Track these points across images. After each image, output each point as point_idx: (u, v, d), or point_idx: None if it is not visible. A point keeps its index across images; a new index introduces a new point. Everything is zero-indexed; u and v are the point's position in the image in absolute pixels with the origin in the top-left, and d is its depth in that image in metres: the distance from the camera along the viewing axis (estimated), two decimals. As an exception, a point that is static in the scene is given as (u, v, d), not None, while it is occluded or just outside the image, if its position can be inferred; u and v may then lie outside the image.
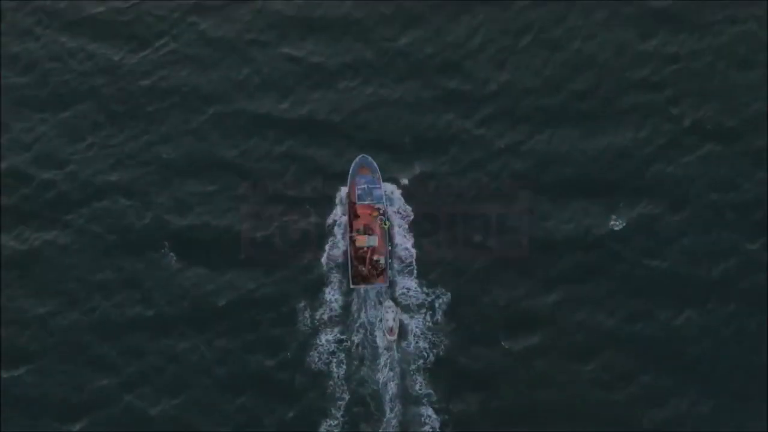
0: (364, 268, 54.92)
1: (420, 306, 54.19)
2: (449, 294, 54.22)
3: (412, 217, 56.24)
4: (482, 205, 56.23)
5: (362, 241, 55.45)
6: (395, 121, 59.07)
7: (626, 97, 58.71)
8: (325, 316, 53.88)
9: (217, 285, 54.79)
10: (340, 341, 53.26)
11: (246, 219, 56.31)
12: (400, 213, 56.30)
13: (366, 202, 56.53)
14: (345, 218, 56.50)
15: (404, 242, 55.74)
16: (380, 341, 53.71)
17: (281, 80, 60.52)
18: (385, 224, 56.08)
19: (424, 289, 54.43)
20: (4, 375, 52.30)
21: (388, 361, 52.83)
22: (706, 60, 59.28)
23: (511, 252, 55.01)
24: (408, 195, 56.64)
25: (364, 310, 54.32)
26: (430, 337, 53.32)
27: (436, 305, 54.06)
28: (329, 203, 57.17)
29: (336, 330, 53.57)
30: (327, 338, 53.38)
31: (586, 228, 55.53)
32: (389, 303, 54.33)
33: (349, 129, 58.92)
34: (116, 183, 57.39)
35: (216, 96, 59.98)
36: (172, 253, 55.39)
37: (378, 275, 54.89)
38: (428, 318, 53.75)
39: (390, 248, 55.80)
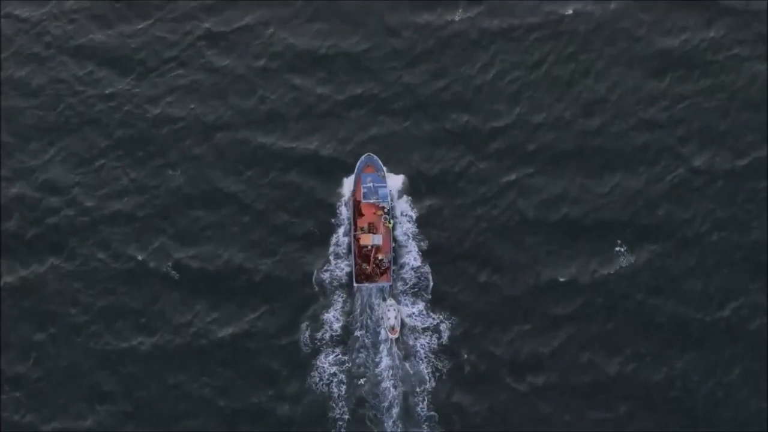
0: (367, 267, 55.14)
1: (426, 330, 53.81)
2: (454, 324, 53.73)
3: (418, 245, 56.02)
4: (490, 241, 55.52)
5: (366, 239, 55.72)
6: (403, 153, 58.47)
7: (636, 136, 57.74)
8: (327, 336, 53.60)
9: (219, 314, 54.29)
10: (341, 363, 52.98)
11: (249, 248, 55.91)
12: (408, 235, 56.07)
13: (371, 201, 56.72)
14: (349, 216, 56.71)
15: (413, 260, 55.53)
16: (383, 337, 54.03)
17: (288, 111, 59.77)
18: (390, 223, 56.19)
19: (432, 314, 54.07)
20: (4, 398, 52.35)
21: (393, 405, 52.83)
22: (716, 100, 58.33)
23: (516, 290, 54.38)
24: (419, 227, 56.28)
25: (366, 316, 54.51)
26: (435, 363, 52.97)
27: (443, 330, 53.67)
28: (332, 213, 57.53)
29: (337, 351, 53.27)
30: (328, 360, 53.08)
31: (593, 267, 54.74)
32: (391, 301, 54.50)
33: (355, 161, 58.13)
34: (120, 210, 56.77)
35: (222, 125, 59.31)
36: (174, 279, 54.99)
37: (382, 274, 55.09)
38: (434, 342, 53.40)
39: (394, 247, 55.91)
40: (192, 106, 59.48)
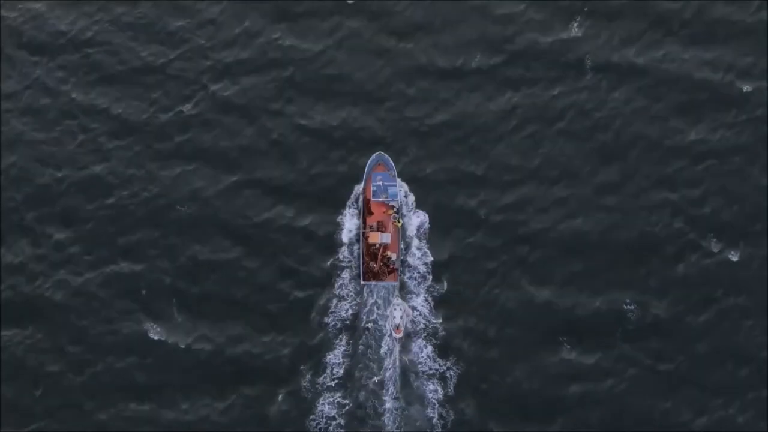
0: (375, 265, 55.10)
1: (431, 376, 53.41)
2: (464, 368, 53.34)
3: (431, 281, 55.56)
4: (505, 289, 54.93)
5: (375, 238, 55.64)
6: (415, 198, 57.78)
7: (654, 192, 56.67)
8: (328, 379, 53.31)
9: (223, 350, 54.00)
10: (342, 405, 52.74)
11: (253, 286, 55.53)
12: (420, 272, 55.54)
13: (380, 199, 56.69)
14: (359, 215, 56.69)
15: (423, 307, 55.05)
16: (387, 338, 54.11)
17: (299, 149, 58.95)
18: (399, 222, 56.21)
19: (438, 361, 53.65)
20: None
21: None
22: (738, 160, 57.28)
23: (528, 338, 53.89)
24: (433, 270, 55.62)
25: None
26: (441, 410, 52.71)
27: (449, 377, 53.23)
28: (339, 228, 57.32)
29: (337, 395, 53.03)
30: (329, 401, 52.91)
31: (608, 321, 53.92)
32: (398, 300, 54.50)
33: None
34: (125, 244, 56.24)
35: (233, 162, 58.41)
36: (178, 318, 54.67)
37: (389, 273, 55.07)
38: (440, 391, 52.99)
39: (402, 246, 55.90)
40: (205, 140, 59.11)
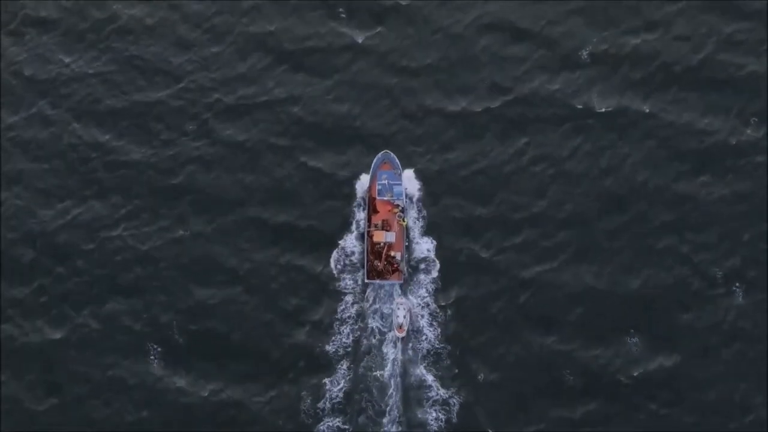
0: (379, 264, 55.32)
1: (435, 402, 53.50)
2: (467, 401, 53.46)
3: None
4: (507, 333, 54.58)
5: (380, 236, 55.83)
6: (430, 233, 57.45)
7: (658, 239, 56.17)
8: (328, 405, 53.39)
9: (215, 396, 53.80)
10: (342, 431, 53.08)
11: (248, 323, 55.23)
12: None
13: (386, 198, 56.84)
14: (364, 213, 56.92)
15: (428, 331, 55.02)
16: (390, 336, 54.48)
17: (301, 189, 58.38)
18: (404, 221, 56.41)
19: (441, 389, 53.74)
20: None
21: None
22: (742, 207, 56.81)
23: (527, 387, 53.69)
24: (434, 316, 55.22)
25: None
26: None
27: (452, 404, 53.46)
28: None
29: (338, 420, 53.18)
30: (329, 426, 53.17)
31: (607, 372, 53.72)
32: (401, 299, 54.75)
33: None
34: (122, 282, 55.78)
35: (231, 200, 57.83)
36: (174, 356, 54.39)
37: (393, 272, 55.29)
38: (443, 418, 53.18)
39: (407, 245, 56.14)
40: (204, 178, 58.38)
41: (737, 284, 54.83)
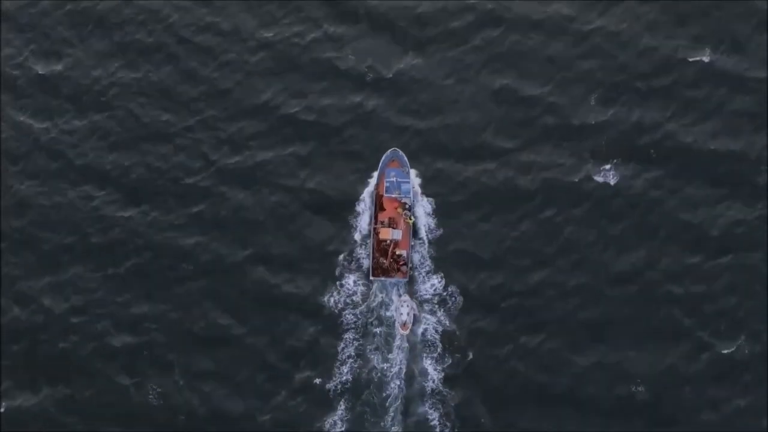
0: (385, 261, 55.75)
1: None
2: None
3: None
4: (517, 373, 54.47)
5: (386, 233, 56.17)
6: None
7: (659, 315, 55.24)
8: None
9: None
10: None
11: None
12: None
13: (393, 195, 57.18)
14: (371, 210, 57.34)
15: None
16: (395, 334, 55.13)
17: (311, 223, 58.03)
18: (410, 219, 56.87)
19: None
20: None
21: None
22: (756, 256, 56.03)
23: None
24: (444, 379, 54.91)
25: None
26: None
27: None
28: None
29: None
30: None
31: (619, 409, 53.50)
32: (405, 297, 55.10)
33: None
34: (115, 348, 55.35)
35: (243, 233, 57.59)
36: (180, 389, 54.58)
37: (398, 269, 55.74)
38: None
39: (413, 243, 56.73)
40: (198, 241, 57.69)
41: (741, 332, 54.69)
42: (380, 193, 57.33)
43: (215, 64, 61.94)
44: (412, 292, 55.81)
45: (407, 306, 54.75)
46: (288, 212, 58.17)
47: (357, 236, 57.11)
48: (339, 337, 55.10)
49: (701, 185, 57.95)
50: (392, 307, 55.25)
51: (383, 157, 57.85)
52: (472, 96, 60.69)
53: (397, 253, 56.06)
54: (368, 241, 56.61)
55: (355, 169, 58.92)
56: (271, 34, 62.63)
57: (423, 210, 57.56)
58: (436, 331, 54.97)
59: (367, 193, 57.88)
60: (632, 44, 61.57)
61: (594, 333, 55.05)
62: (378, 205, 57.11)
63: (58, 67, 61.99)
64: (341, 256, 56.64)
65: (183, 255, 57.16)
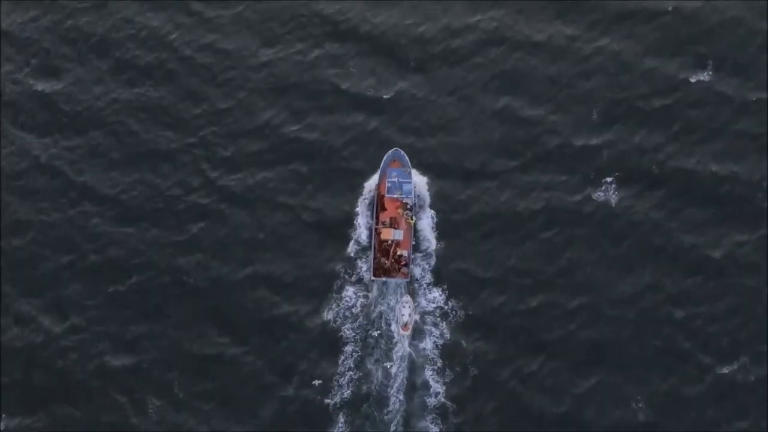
0: (386, 261, 54.88)
1: None
2: None
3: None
4: (518, 395, 53.39)
5: (387, 234, 55.46)
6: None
7: (660, 336, 54.08)
8: None
9: None
10: None
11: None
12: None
13: (395, 196, 56.24)
14: (372, 210, 56.49)
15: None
16: (395, 334, 54.10)
17: (309, 243, 56.95)
18: (412, 219, 55.49)
19: None
20: None
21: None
22: (757, 278, 55.08)
23: None
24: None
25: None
26: None
27: None
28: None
29: None
30: None
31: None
32: (407, 298, 54.24)
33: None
34: (114, 367, 54.39)
35: (241, 253, 56.55)
36: (179, 410, 53.62)
37: (400, 269, 54.78)
38: None
39: (414, 244, 55.10)
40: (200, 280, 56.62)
41: (742, 355, 53.54)
42: (382, 194, 56.51)
43: (215, 82, 61.38)
44: (413, 292, 54.83)
45: (408, 307, 53.91)
46: (288, 230, 57.29)
47: (355, 249, 56.05)
48: (339, 351, 54.15)
49: (702, 207, 56.98)
50: (396, 308, 54.41)
51: (384, 157, 57.18)
52: (474, 115, 59.91)
53: (399, 253, 55.02)
54: (369, 244, 56.08)
55: (356, 185, 58.01)
56: (272, 53, 62.06)
57: (427, 222, 56.59)
58: (437, 345, 54.00)
59: (363, 204, 56.92)
60: (634, 65, 60.79)
61: (595, 354, 54.03)
62: (379, 206, 55.97)
63: (58, 85, 61.47)
64: (340, 268, 55.64)
65: (182, 273, 56.26)
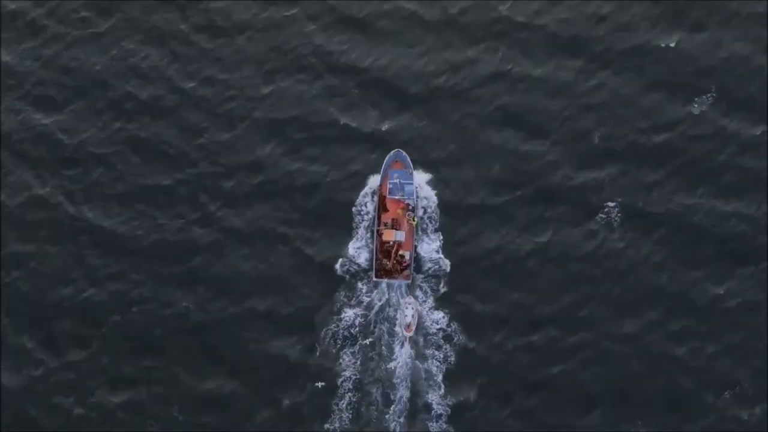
0: (388, 262, 55.07)
1: None
2: None
3: None
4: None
5: (389, 235, 55.60)
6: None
7: (661, 376, 54.25)
8: None
9: None
10: None
11: None
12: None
13: (396, 197, 56.47)
14: (374, 211, 56.60)
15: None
16: (398, 335, 54.34)
17: (304, 280, 56.58)
18: (414, 220, 55.80)
19: None
20: None
21: None
22: (756, 317, 55.30)
23: None
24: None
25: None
26: None
27: None
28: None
29: None
30: None
31: None
32: (409, 299, 54.45)
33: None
34: (113, 403, 54.20)
35: (235, 289, 56.08)
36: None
37: (402, 271, 54.96)
38: None
39: (416, 245, 55.42)
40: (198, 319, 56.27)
41: (743, 395, 53.90)
42: (383, 194, 56.44)
43: (215, 115, 60.45)
44: (415, 285, 55.26)
45: (411, 308, 54.08)
46: (285, 267, 56.81)
47: (349, 279, 55.99)
48: (338, 376, 54.21)
49: (703, 244, 56.94)
50: (399, 309, 54.60)
51: (386, 158, 57.31)
52: (475, 151, 59.30)
53: (400, 254, 55.38)
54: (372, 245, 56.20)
55: (355, 215, 57.62)
56: (271, 88, 61.09)
57: (431, 246, 56.52)
58: (439, 371, 54.08)
59: (362, 227, 56.83)
60: (635, 99, 60.33)
61: (595, 394, 54.11)
62: (381, 207, 56.13)
63: (56, 120, 60.35)
64: (341, 297, 55.52)
65: (181, 307, 55.86)
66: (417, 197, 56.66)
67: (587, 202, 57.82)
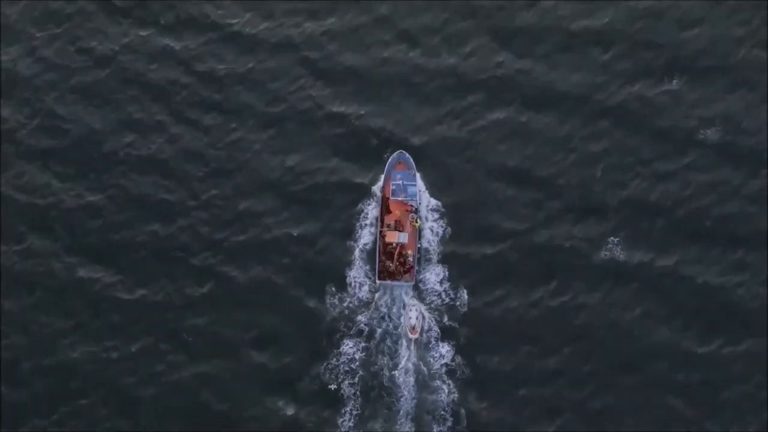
0: (391, 264, 54.76)
1: None
2: None
3: None
4: None
5: (392, 236, 55.26)
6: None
7: (666, 403, 53.63)
8: None
9: None
10: None
11: None
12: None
13: (399, 198, 56.11)
14: (377, 213, 56.23)
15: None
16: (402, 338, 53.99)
17: (301, 338, 55.78)
18: (416, 222, 55.38)
19: None
20: None
21: None
22: (744, 369, 54.49)
23: None
24: None
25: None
26: None
27: None
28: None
29: None
30: None
31: None
32: (414, 301, 54.14)
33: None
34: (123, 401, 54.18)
35: (228, 348, 55.21)
36: None
37: (405, 272, 54.65)
38: None
39: (419, 246, 54.98)
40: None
41: None
42: (386, 196, 56.14)
43: (221, 142, 59.95)
44: (419, 283, 54.98)
45: (415, 310, 53.82)
46: (291, 291, 56.22)
47: (355, 301, 55.36)
48: (340, 406, 53.70)
49: (716, 260, 56.53)
50: (403, 312, 54.27)
51: (389, 160, 56.90)
52: (482, 174, 58.65)
53: (404, 255, 55.02)
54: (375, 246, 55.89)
55: (358, 240, 57.14)
56: (278, 110, 60.59)
57: (435, 276, 55.82)
58: (444, 402, 53.53)
59: (357, 251, 56.26)
60: (645, 125, 59.68)
61: (604, 421, 53.60)
62: (384, 208, 55.75)
63: (62, 142, 59.89)
64: (342, 325, 54.98)
65: (185, 336, 55.42)
66: (420, 199, 56.31)
67: (594, 224, 57.10)
